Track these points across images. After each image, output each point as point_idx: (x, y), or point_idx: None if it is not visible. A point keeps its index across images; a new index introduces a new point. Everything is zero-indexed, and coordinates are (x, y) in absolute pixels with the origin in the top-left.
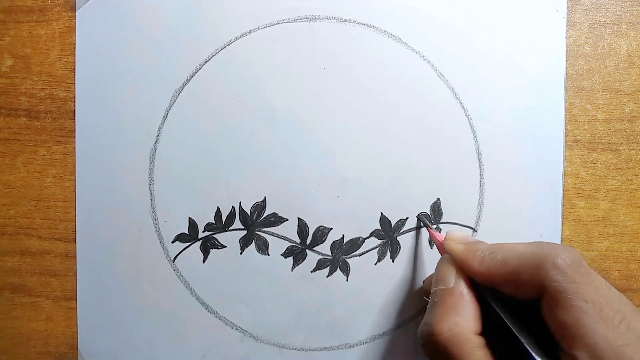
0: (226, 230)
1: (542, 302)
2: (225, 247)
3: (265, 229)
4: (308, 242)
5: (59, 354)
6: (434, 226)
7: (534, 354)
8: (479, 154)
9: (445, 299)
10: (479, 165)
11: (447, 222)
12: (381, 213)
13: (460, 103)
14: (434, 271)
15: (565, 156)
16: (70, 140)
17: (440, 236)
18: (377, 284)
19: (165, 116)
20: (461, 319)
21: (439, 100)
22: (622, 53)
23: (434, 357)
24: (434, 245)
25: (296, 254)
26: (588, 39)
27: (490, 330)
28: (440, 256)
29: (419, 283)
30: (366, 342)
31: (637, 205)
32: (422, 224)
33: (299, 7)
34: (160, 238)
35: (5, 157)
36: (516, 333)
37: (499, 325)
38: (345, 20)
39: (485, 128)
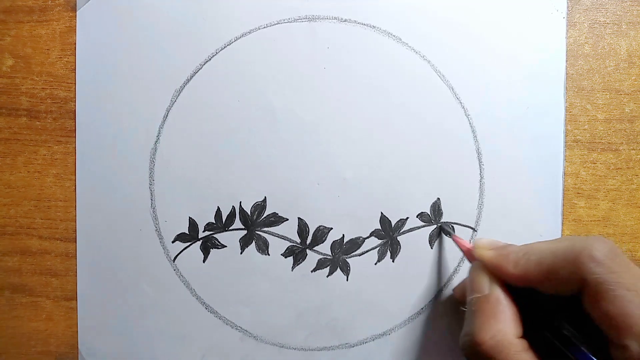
0: (226, 230)
1: (584, 296)
2: (226, 247)
3: (266, 229)
4: (308, 241)
5: (59, 354)
6: (435, 226)
7: (584, 350)
8: (479, 153)
9: (483, 307)
10: (479, 165)
11: (447, 222)
12: (381, 213)
13: (460, 103)
14: (467, 279)
15: (565, 156)
16: (70, 140)
17: (466, 243)
18: (377, 284)
19: (165, 116)
20: (502, 325)
21: (439, 100)
22: (622, 53)
23: None
24: (434, 245)
25: (296, 253)
26: (588, 39)
27: (531, 330)
28: (460, 263)
29: (419, 283)
30: (366, 342)
31: (637, 205)
32: (446, 234)
33: (299, 7)
34: (161, 238)
35: (5, 157)
36: (554, 340)
37: (540, 325)
38: (345, 20)
39: (485, 128)
